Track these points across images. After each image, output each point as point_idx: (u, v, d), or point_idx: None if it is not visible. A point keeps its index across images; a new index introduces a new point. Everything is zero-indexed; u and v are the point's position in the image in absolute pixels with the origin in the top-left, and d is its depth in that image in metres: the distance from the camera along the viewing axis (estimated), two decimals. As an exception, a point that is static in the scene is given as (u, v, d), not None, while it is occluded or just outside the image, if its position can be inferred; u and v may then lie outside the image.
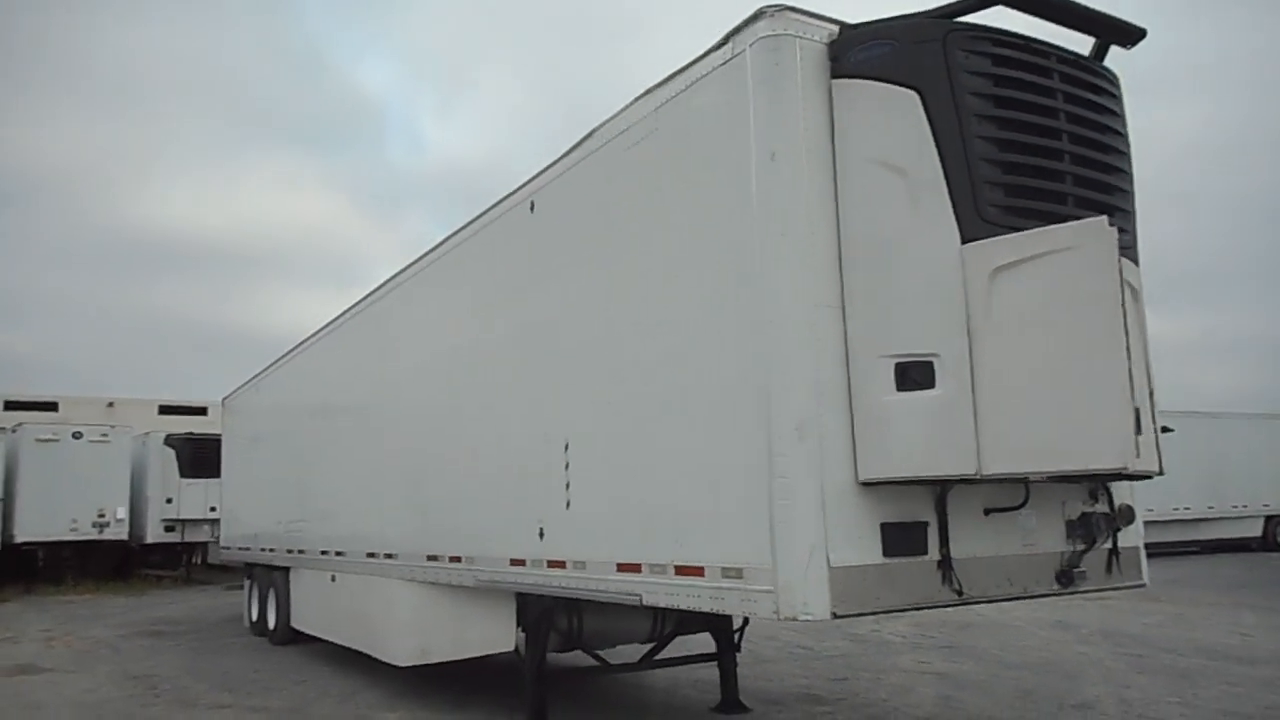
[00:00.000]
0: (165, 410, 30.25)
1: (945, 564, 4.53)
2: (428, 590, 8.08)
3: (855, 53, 4.57)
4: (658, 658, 7.96)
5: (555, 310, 6.31)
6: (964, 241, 4.29)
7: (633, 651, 7.99)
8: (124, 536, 23.77)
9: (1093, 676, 9.22)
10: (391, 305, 9.03)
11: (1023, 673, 9.50)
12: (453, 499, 7.68)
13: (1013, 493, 4.71)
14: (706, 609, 4.76)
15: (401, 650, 8.24)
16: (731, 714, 7.88)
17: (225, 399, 17.20)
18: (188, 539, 24.87)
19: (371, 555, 9.34)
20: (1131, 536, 5.28)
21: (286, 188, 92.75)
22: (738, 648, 8.08)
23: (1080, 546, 5.01)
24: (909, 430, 4.25)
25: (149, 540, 24.25)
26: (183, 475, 24.38)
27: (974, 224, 4.31)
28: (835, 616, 4.22)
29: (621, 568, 5.44)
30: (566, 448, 6.07)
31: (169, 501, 24.26)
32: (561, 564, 6.05)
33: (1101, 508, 5.14)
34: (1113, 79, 5.03)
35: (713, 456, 4.77)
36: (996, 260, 4.18)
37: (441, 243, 8.04)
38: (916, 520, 4.48)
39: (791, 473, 4.29)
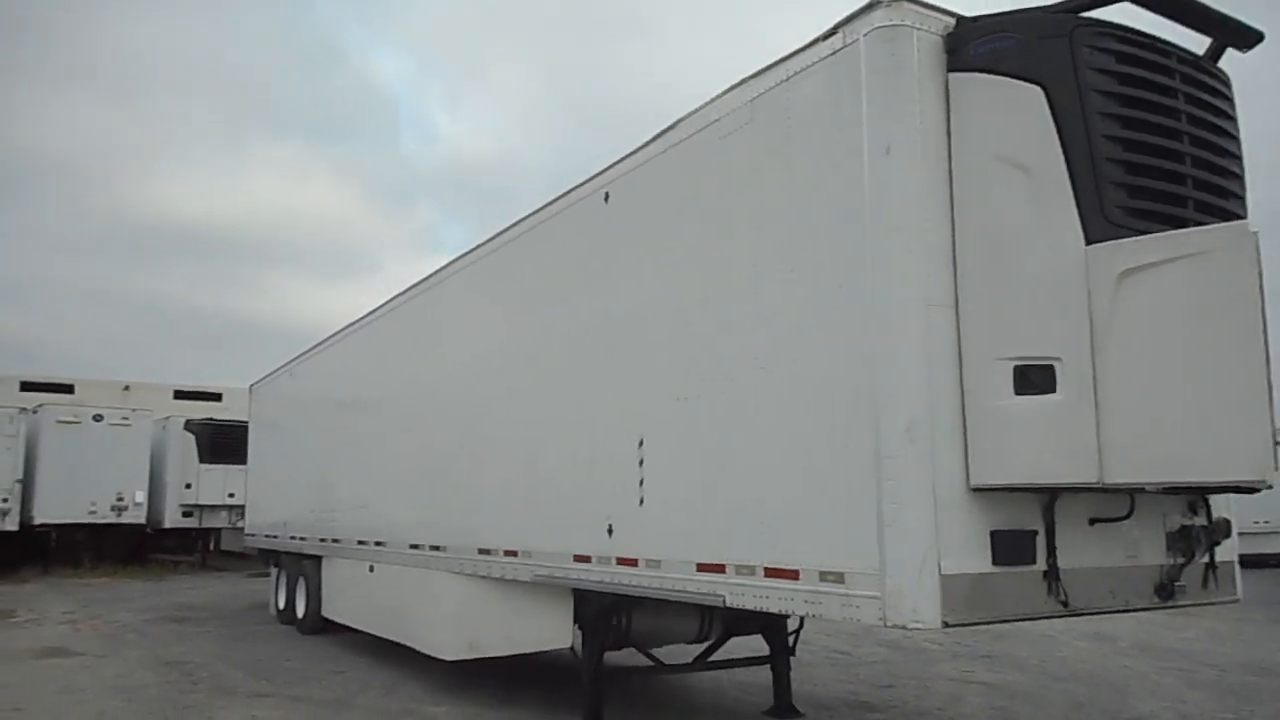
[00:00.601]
0: (180, 395, 30.21)
1: (1052, 574, 4.40)
2: (478, 584, 7.97)
3: (976, 46, 4.44)
4: (711, 659, 7.85)
5: (630, 303, 6.19)
6: (1088, 242, 4.16)
7: (680, 652, 7.87)
8: (141, 521, 23.73)
9: (1140, 691, 9.08)
10: (448, 294, 8.91)
11: (1070, 685, 9.36)
12: (509, 493, 7.56)
13: (1118, 503, 4.58)
14: (801, 613, 4.65)
15: (448, 644, 8.12)
16: (784, 718, 7.76)
17: (253, 385, 17.12)
18: (205, 525, 24.82)
19: (415, 547, 9.23)
20: (1227, 550, 5.15)
21: (296, 178, 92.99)
22: (792, 651, 7.95)
23: (1180, 560, 4.88)
24: (1027, 435, 4.12)
25: (166, 525, 24.20)
26: (202, 461, 24.34)
27: (1098, 225, 4.18)
28: (946, 625, 4.10)
29: (702, 568, 5.32)
30: (641, 444, 5.95)
31: (188, 487, 24.21)
32: (633, 562, 5.93)
33: (1200, 520, 5.01)
34: (1227, 82, 4.89)
35: (810, 457, 4.65)
36: (1126, 263, 4.04)
37: (502, 232, 7.93)
38: (1025, 529, 4.36)
39: (903, 475, 4.17)
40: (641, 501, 5.90)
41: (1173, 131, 4.48)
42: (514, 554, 7.39)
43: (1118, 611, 4.74)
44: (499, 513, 7.71)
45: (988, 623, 4.35)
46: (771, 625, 7.88)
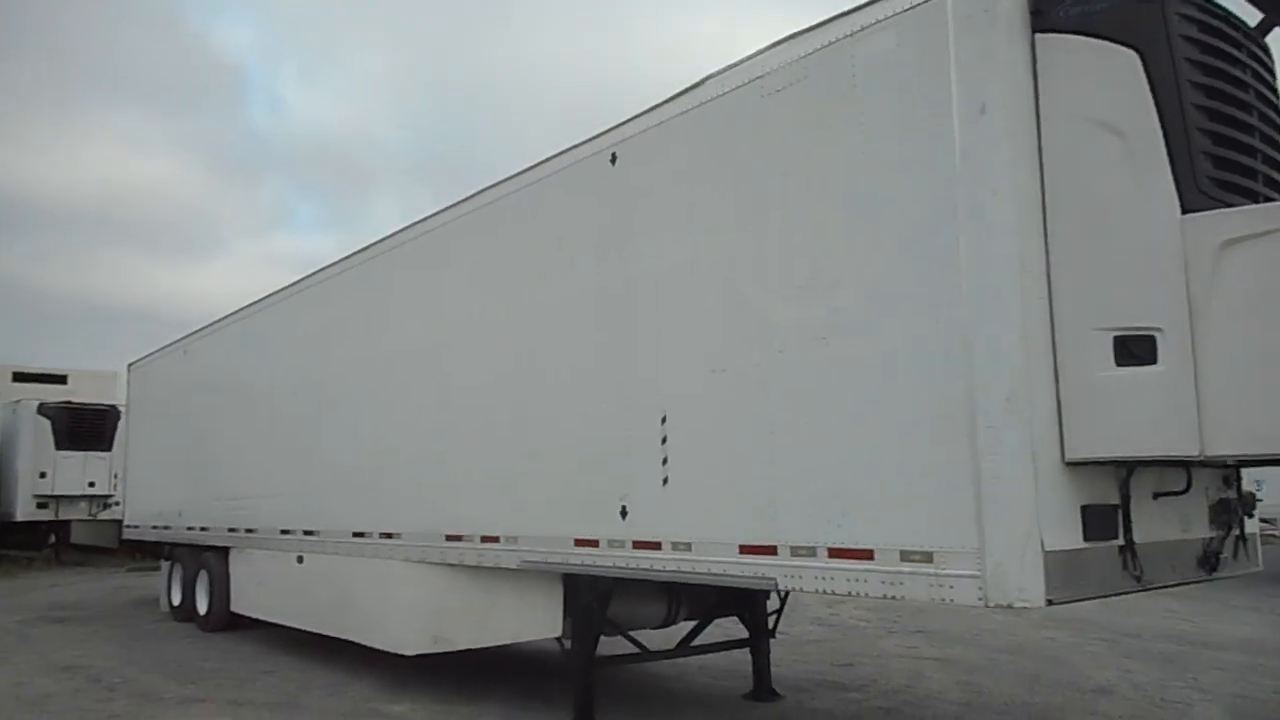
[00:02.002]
0: (20, 377, 27.31)
1: (1128, 549, 4.34)
2: (443, 572, 7.43)
3: (1065, 8, 4.29)
4: (693, 644, 7.60)
5: (647, 272, 5.82)
6: (1183, 211, 4.09)
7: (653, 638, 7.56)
8: (-12, 513, 21.59)
9: (1081, 662, 9.39)
10: (406, 258, 8.23)
11: (1013, 658, 9.59)
12: (488, 477, 7.05)
13: (1178, 477, 4.57)
14: (876, 594, 4.42)
15: (408, 638, 7.54)
16: (765, 701, 7.60)
17: (133, 365, 15.68)
18: (63, 517, 22.72)
19: (360, 535, 8.57)
20: (1252, 523, 5.26)
21: (134, 149, 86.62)
22: (772, 633, 7.80)
23: (1220, 532, 4.94)
24: (1129, 407, 4.02)
25: (19, 518, 22.04)
26: (59, 448, 22.26)
27: (1192, 194, 4.11)
28: (1049, 603, 3.96)
29: (746, 549, 5.04)
30: (664, 420, 5.61)
31: (42, 476, 22.10)
32: (655, 545, 5.59)
33: (1233, 494, 5.09)
34: (1274, 58, 4.95)
35: (886, 432, 4.43)
36: (1226, 233, 3.98)
37: (479, 193, 7.36)
38: (1109, 503, 4.27)
39: (1003, 449, 4.00)
40: (665, 481, 5.56)
41: (1245, 105, 4.48)
42: (494, 539, 6.91)
43: (1175, 585, 4.75)
44: (474, 497, 7.19)
45: (1080, 600, 4.25)
46: (747, 607, 7.72)
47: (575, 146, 6.49)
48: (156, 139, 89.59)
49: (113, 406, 23.39)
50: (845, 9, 4.84)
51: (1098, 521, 4.18)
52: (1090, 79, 4.24)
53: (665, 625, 7.55)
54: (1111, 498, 4.31)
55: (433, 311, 7.84)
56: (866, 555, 4.46)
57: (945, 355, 4.21)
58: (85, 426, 22.68)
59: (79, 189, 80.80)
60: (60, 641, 11.23)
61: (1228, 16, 4.55)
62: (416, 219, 8.19)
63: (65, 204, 79.47)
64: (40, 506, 22.23)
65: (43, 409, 22.29)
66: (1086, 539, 4.16)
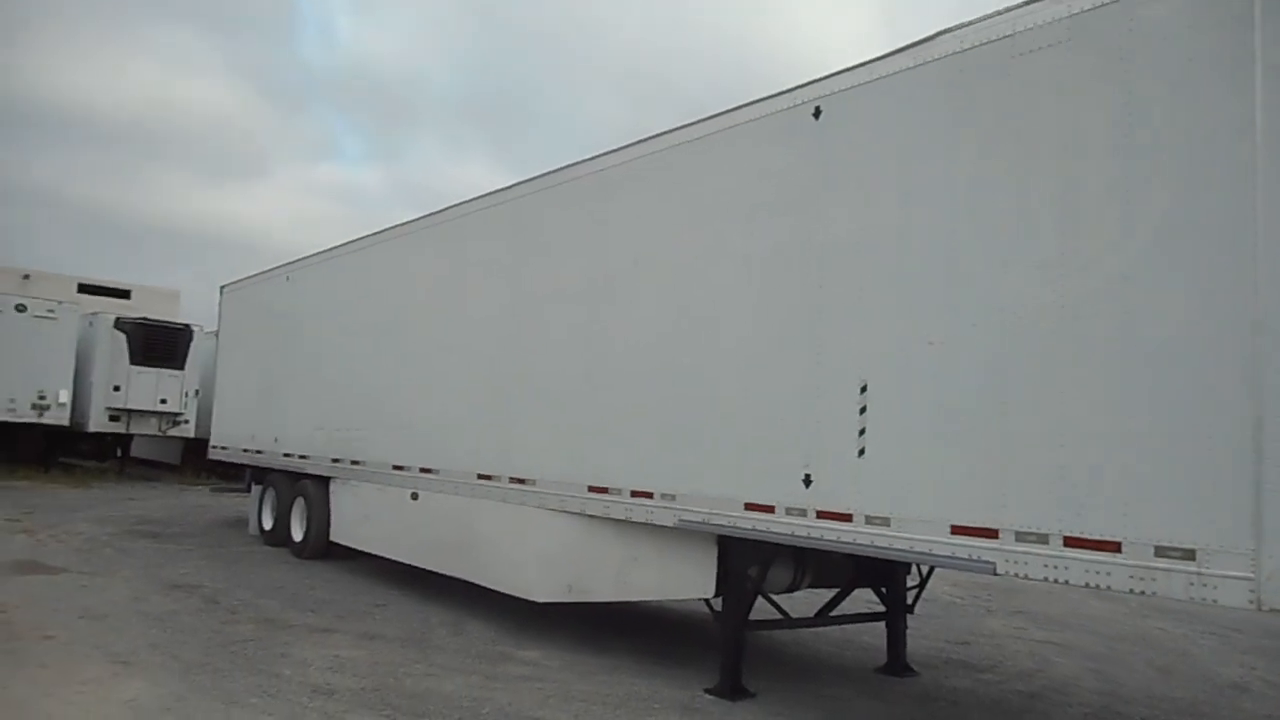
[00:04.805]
0: (85, 289, 27.66)
1: None
2: (583, 523, 7.36)
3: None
4: (832, 614, 7.52)
5: (856, 234, 5.59)
6: None
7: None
8: (64, 422, 21.94)
9: (1201, 656, 9.22)
10: (561, 198, 8.01)
11: (1134, 647, 9.43)
12: (646, 429, 6.90)
13: None
14: (1121, 589, 4.26)
15: (541, 585, 7.50)
16: (903, 676, 7.51)
17: (226, 287, 15.71)
18: (133, 431, 23.10)
19: (486, 477, 8.52)
20: None
21: (183, 68, 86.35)
22: (911, 609, 7.69)
23: None
24: None
25: (91, 429, 22.41)
26: (133, 363, 22.55)
27: None
28: (1326, 613, 3.78)
29: (959, 530, 4.88)
30: (864, 390, 5.43)
31: (116, 389, 22.41)
32: (846, 517, 5.45)
33: None
34: None
35: (1144, 420, 4.23)
36: None
37: (650, 138, 7.13)
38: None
39: (1291, 451, 3.79)
40: (862, 452, 5.40)
41: None
42: (647, 495, 6.81)
43: None
44: (627, 448, 7.07)
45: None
46: (884, 581, 7.60)
47: (775, 95, 6.23)
48: (204, 60, 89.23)
49: (187, 325, 23.67)
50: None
51: None
52: None
53: (790, 591, 7.46)
54: None
55: (596, 253, 7.56)
56: (1113, 547, 4.29)
57: (1228, 343, 3.98)
58: (160, 343, 22.93)
59: (125, 104, 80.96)
60: (160, 557, 11.39)
61: None
62: (580, 159, 7.91)
63: (109, 118, 79.77)
64: (112, 419, 22.56)
65: (119, 324, 22.53)
66: (1354, 546, 3.95)
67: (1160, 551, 4.14)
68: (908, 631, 7.76)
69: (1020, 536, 4.63)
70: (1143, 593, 4.20)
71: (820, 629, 8.37)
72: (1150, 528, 4.17)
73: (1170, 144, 4.26)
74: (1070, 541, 4.44)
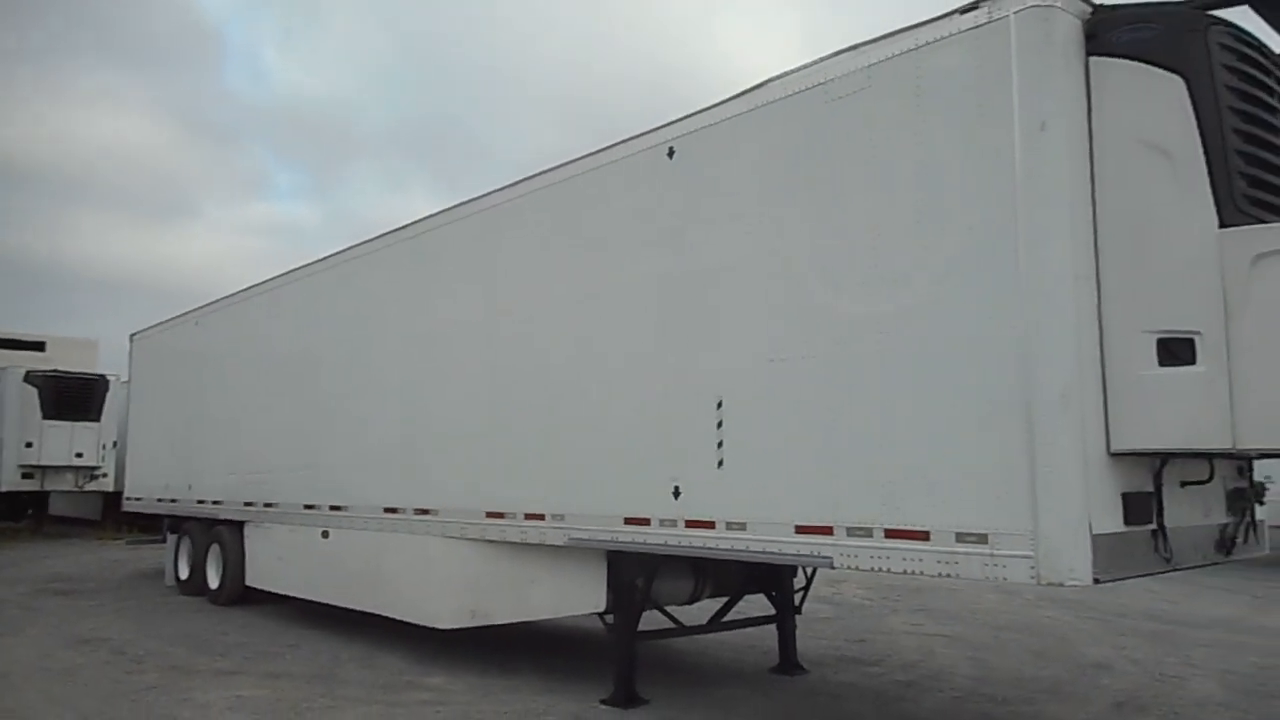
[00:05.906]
0: (-4, 343, 27.02)
1: (1159, 533, 4.75)
2: (482, 549, 7.73)
3: (1119, 33, 4.65)
4: (724, 619, 7.99)
5: (706, 264, 6.12)
6: (1221, 226, 4.47)
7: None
8: (-27, 484, 21.47)
9: (1077, 639, 9.89)
10: (457, 235, 8.40)
11: (1016, 635, 10.09)
12: (534, 455, 7.34)
13: (1202, 468, 4.99)
14: (931, 573, 4.80)
15: (445, 612, 7.84)
16: (793, 674, 8.00)
17: (135, 335, 15.72)
18: (48, 488, 22.64)
19: (392, 511, 8.83)
20: (1263, 511, 5.70)
21: (109, 109, 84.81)
22: (798, 610, 8.20)
23: (1235, 518, 5.38)
24: (1170, 403, 4.42)
25: (3, 488, 21.92)
26: (45, 417, 22.14)
27: (1229, 210, 4.49)
28: (1096, 582, 4.36)
29: (803, 530, 5.40)
30: (719, 405, 5.94)
31: (29, 445, 21.98)
32: (709, 524, 5.93)
33: (1246, 483, 5.53)
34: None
35: (944, 422, 4.79)
36: (1259, 247, 4.37)
37: (534, 176, 7.59)
38: (1145, 491, 4.68)
39: (1058, 440, 4.38)
40: (720, 464, 5.90)
41: (1277, 128, 4.87)
42: (539, 517, 7.21)
43: (1197, 566, 5.17)
44: (519, 475, 7.47)
45: (1120, 579, 4.65)
46: (773, 585, 8.10)
47: (634, 138, 6.76)
48: (134, 100, 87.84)
49: (101, 376, 23.31)
50: (912, 23, 5.16)
51: (1137, 507, 4.59)
52: (1140, 101, 4.61)
53: (691, 601, 7.93)
54: (1147, 486, 4.71)
55: (484, 290, 8.01)
56: (923, 536, 4.83)
57: (1004, 354, 4.57)
58: (73, 396, 22.57)
59: (47, 147, 79.20)
60: (71, 614, 11.36)
61: (1261, 46, 4.94)
62: (468, 198, 8.34)
63: (31, 162, 77.89)
64: (25, 477, 22.13)
65: (29, 377, 22.13)
66: (1127, 523, 4.56)
67: (960, 537, 4.69)
68: (801, 632, 8.28)
69: (851, 531, 5.16)
70: (949, 575, 4.75)
71: (722, 635, 8.83)
72: (951, 517, 4.73)
73: (954, 183, 4.86)
74: (890, 533, 4.98)
